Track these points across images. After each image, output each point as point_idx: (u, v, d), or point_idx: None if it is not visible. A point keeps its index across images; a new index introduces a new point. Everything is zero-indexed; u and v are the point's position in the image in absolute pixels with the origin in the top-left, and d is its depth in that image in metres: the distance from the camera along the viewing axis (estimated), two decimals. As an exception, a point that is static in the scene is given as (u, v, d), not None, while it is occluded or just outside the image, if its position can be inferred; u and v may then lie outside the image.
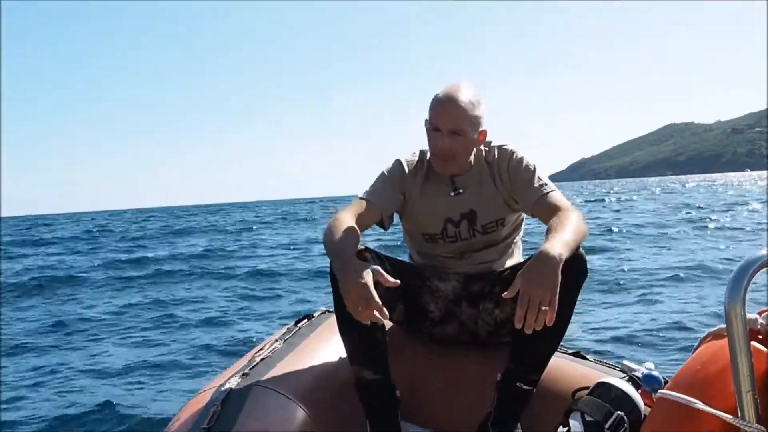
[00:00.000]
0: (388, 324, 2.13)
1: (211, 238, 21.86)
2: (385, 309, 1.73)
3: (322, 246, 1.98)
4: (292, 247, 16.87)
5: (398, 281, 1.82)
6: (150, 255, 15.81)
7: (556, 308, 1.66)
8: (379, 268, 1.80)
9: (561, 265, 1.70)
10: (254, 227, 27.61)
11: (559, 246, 1.74)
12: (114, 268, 13.30)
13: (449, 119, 2.03)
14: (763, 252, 1.29)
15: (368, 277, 1.75)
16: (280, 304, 8.31)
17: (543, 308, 1.64)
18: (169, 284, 10.67)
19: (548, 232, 1.84)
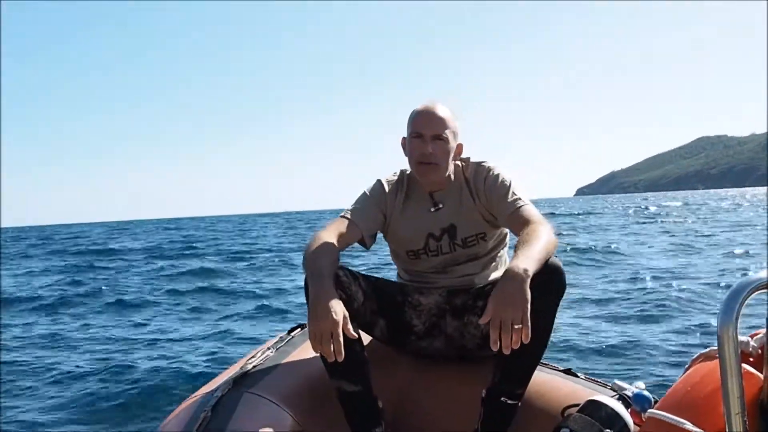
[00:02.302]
0: (367, 338, 2.15)
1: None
2: (342, 353, 1.75)
3: None
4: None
5: (355, 334, 1.84)
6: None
7: (529, 325, 1.68)
8: (346, 316, 1.81)
9: (528, 280, 1.72)
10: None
11: (523, 262, 1.76)
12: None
13: (432, 124, 2.12)
14: (757, 275, 1.30)
15: (340, 315, 1.78)
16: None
17: (516, 327, 1.66)
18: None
19: (515, 249, 1.88)
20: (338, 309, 1.78)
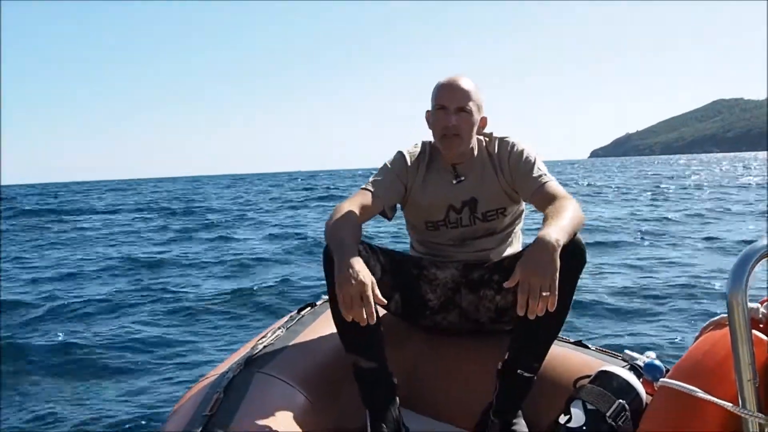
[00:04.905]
0: (382, 312, 2.15)
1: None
2: (374, 313, 1.76)
3: None
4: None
5: (384, 300, 1.84)
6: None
7: (557, 293, 1.68)
8: (374, 281, 1.81)
9: (559, 250, 1.72)
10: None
11: (555, 232, 1.76)
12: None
13: (456, 96, 2.12)
14: (764, 242, 1.29)
15: (369, 278, 1.78)
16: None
17: (544, 294, 1.66)
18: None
19: (545, 219, 1.87)
20: (365, 272, 1.78)
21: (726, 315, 1.31)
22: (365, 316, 1.74)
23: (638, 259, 8.73)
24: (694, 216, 14.78)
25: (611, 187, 28.62)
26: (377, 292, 1.79)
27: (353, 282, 1.75)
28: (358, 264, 1.80)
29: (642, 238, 11.06)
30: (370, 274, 1.80)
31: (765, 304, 1.49)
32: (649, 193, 23.89)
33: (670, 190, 24.97)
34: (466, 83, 2.14)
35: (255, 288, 7.54)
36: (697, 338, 1.63)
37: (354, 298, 1.74)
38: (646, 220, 14.22)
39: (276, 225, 16.68)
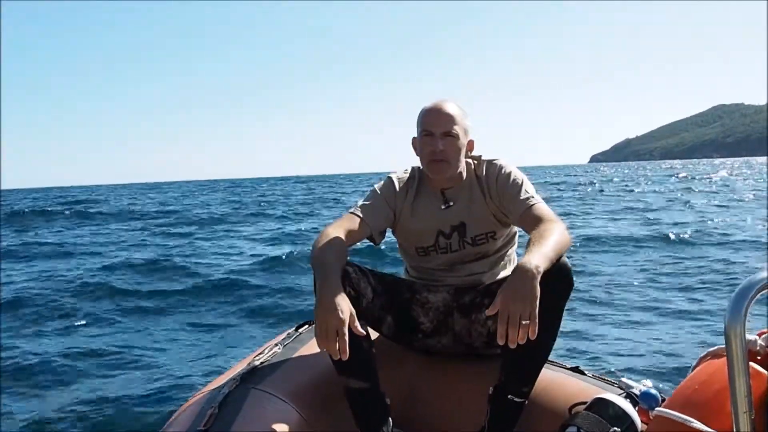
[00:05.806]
0: (375, 334, 2.15)
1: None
2: (347, 352, 1.75)
3: None
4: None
5: (363, 331, 1.85)
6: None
7: (537, 321, 1.68)
8: (353, 313, 1.80)
9: (538, 277, 1.72)
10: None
11: (535, 259, 1.76)
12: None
13: (441, 121, 2.13)
14: (764, 274, 1.29)
15: (347, 313, 1.77)
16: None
17: (524, 322, 1.66)
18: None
19: (528, 245, 1.88)
20: (345, 306, 1.78)
21: (723, 346, 1.31)
22: (338, 351, 1.75)
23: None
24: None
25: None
26: (356, 324, 1.79)
27: (331, 316, 1.75)
28: (339, 296, 1.80)
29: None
30: (350, 306, 1.80)
31: (763, 336, 1.49)
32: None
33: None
34: (451, 108, 2.15)
35: (254, 301, 7.52)
36: (694, 368, 1.63)
37: (330, 332, 1.74)
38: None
39: (277, 231, 16.58)
